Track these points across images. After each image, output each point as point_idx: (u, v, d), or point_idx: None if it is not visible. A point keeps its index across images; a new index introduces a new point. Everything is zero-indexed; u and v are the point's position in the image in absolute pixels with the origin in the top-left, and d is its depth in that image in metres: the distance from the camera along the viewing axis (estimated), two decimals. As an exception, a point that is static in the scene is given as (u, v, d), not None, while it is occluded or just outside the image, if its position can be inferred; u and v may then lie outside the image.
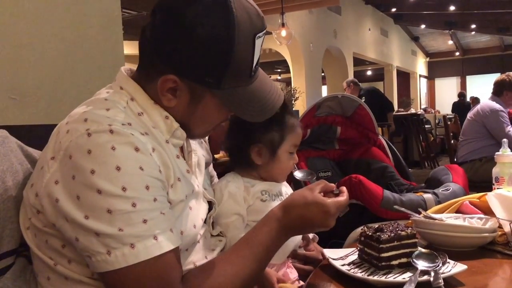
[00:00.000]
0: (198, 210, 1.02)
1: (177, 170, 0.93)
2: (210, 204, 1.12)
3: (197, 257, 1.00)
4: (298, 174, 1.23)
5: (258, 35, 0.90)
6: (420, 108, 13.48)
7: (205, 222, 1.08)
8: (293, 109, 6.93)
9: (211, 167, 1.30)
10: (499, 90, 3.84)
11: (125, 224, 0.78)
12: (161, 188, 0.86)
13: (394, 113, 8.79)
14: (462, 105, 11.06)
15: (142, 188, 0.81)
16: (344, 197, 0.98)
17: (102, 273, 0.80)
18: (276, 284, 1.10)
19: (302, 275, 1.23)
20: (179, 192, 0.92)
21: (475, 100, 10.59)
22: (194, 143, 1.12)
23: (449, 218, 1.20)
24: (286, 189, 1.32)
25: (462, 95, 12.20)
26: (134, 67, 1.00)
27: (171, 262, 0.83)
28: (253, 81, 0.95)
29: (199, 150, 1.14)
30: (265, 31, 0.94)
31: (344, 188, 1.01)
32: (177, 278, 0.84)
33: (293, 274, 1.22)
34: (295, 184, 1.60)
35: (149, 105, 0.94)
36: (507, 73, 3.89)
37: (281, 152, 1.26)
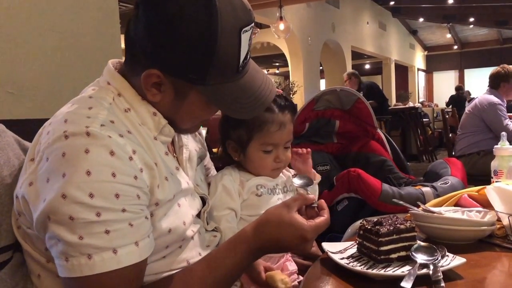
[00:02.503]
0: (188, 207, 0.99)
1: (164, 169, 0.91)
2: (204, 199, 1.10)
3: (191, 254, 0.99)
4: (296, 181, 1.17)
5: (244, 29, 0.85)
6: (418, 102, 13.49)
7: (199, 217, 1.07)
8: (291, 103, 6.91)
9: (207, 159, 1.28)
10: (495, 83, 3.83)
11: (86, 233, 0.75)
12: (135, 196, 0.81)
13: (391, 107, 8.80)
14: (459, 99, 11.05)
15: (111, 196, 0.77)
16: (324, 216, 0.93)
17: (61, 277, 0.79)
18: (263, 273, 1.07)
19: (302, 270, 1.22)
20: (166, 192, 0.90)
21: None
22: (186, 137, 1.09)
23: (448, 212, 1.19)
24: (287, 182, 1.28)
25: (459, 88, 12.19)
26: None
27: (127, 278, 0.79)
28: (241, 77, 0.91)
29: (192, 143, 1.12)
30: (253, 24, 0.89)
31: (324, 204, 0.96)
32: None
33: (292, 266, 1.21)
34: None
35: (137, 101, 0.91)
36: (501, 65, 3.89)
37: (251, 151, 1.20)
